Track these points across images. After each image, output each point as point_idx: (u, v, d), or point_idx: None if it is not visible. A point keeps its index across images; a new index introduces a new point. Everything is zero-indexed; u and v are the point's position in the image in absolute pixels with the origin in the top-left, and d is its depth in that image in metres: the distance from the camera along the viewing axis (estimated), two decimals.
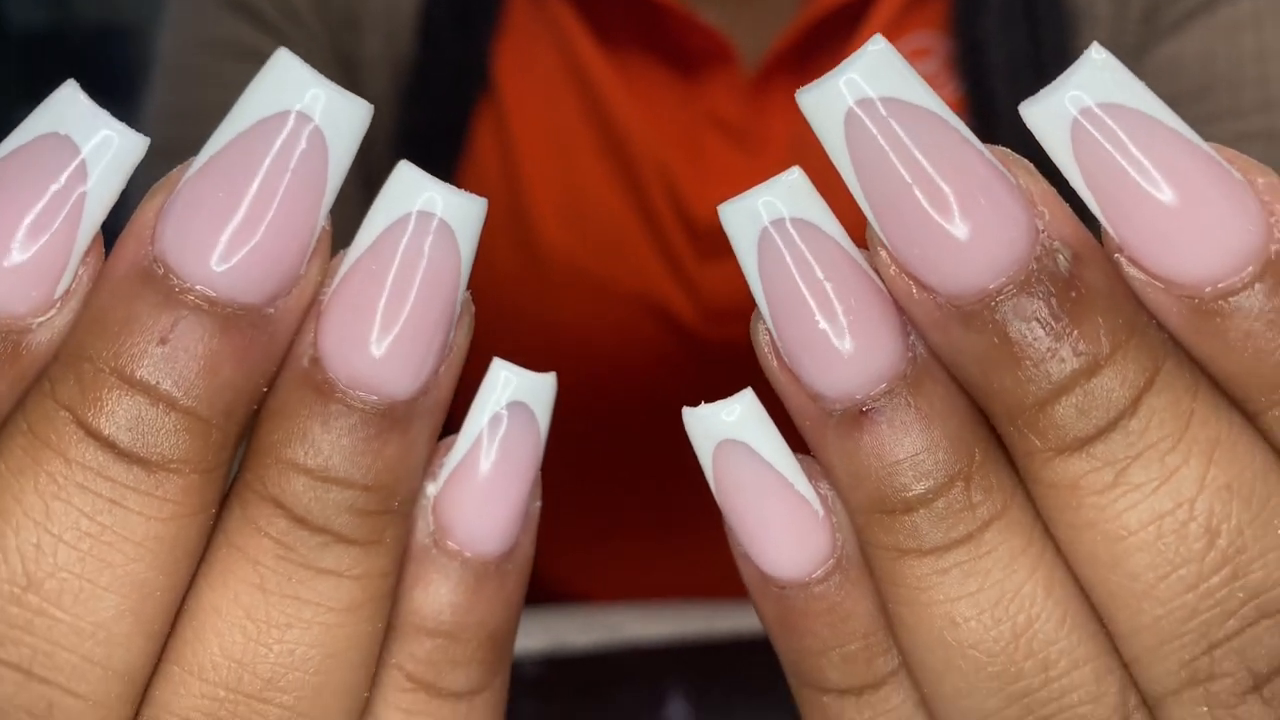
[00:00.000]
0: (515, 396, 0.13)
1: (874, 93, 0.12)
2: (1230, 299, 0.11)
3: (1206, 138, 0.47)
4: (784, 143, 0.48)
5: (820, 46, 0.48)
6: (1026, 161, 0.12)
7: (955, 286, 0.12)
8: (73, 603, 0.11)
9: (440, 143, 0.48)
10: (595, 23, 0.48)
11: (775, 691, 0.17)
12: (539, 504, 0.14)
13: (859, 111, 0.12)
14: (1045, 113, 0.12)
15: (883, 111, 0.12)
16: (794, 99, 0.47)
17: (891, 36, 0.52)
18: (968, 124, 0.43)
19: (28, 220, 0.11)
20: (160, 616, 0.12)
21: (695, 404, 0.15)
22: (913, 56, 0.48)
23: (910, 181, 0.12)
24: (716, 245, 0.47)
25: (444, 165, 0.49)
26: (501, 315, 0.49)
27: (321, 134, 0.12)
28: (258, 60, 0.50)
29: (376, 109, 0.49)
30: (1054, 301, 0.12)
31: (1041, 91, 0.12)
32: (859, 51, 0.12)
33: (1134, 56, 0.48)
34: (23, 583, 0.11)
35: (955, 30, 0.47)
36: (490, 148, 0.49)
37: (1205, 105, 0.46)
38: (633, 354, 0.47)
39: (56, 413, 0.11)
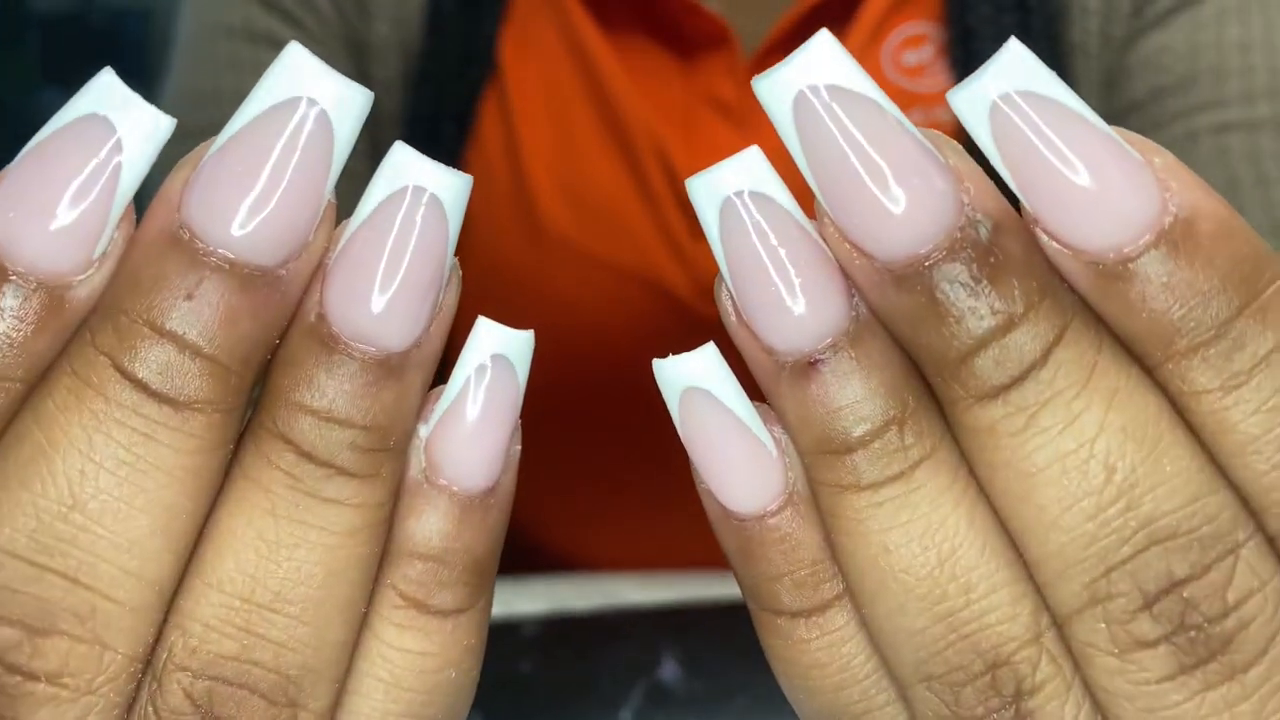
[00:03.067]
0: (497, 350, 0.15)
1: (819, 80, 0.13)
2: (1129, 264, 0.13)
3: (1190, 128, 0.48)
4: None
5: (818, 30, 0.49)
6: (955, 143, 0.14)
7: (890, 252, 0.13)
8: (112, 521, 0.13)
9: (447, 125, 0.50)
10: (597, 8, 0.49)
11: (762, 654, 0.19)
12: (519, 447, 0.15)
13: (807, 96, 0.13)
14: (968, 98, 0.13)
15: (826, 97, 0.13)
16: None
17: (886, 24, 0.52)
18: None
19: (70, 189, 0.13)
20: (185, 536, 0.13)
21: None
22: (907, 44, 0.49)
23: (851, 159, 0.13)
24: None
25: (450, 147, 0.50)
26: (505, 289, 0.50)
27: (327, 117, 0.13)
28: (271, 44, 0.52)
29: (385, 93, 0.51)
30: (975, 266, 0.13)
31: (965, 80, 0.13)
32: (806, 44, 0.13)
33: (1123, 47, 0.49)
34: (69, 502, 0.13)
35: (948, 19, 0.48)
36: (495, 129, 0.50)
37: (1190, 96, 0.47)
38: (630, 327, 0.48)
39: (97, 358, 0.13)
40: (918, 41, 0.49)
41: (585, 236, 0.49)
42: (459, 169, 0.49)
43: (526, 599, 0.46)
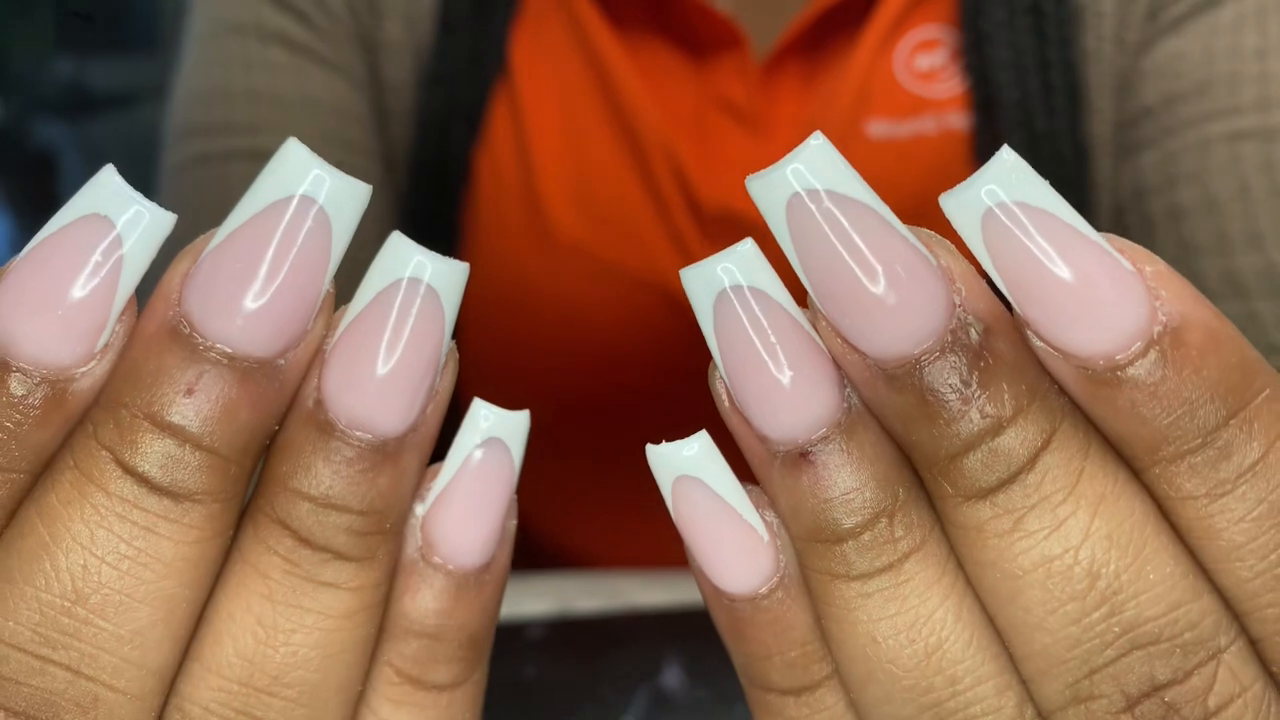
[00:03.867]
0: (492, 433, 0.15)
1: (812, 183, 0.13)
2: (1118, 372, 0.13)
3: (1203, 135, 0.47)
4: (790, 127, 0.48)
5: (829, 36, 0.48)
6: (948, 243, 0.14)
7: (881, 351, 0.13)
8: (114, 614, 0.13)
9: (458, 125, 0.49)
10: (609, 8, 0.49)
11: None
12: (515, 522, 0.16)
13: (801, 198, 0.13)
14: (960, 205, 0.13)
15: (820, 200, 0.13)
16: (802, 85, 0.48)
17: (900, 28, 0.52)
18: (969, 115, 0.44)
19: (72, 286, 0.13)
20: (186, 623, 0.14)
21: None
22: (920, 48, 0.49)
23: (844, 260, 0.13)
24: (722, 230, 0.48)
25: (461, 147, 0.49)
26: (512, 292, 0.50)
27: (325, 213, 0.13)
28: (282, 43, 0.51)
29: (396, 92, 0.51)
30: (965, 369, 0.13)
31: (958, 186, 0.13)
32: (801, 145, 0.14)
33: (1137, 52, 0.48)
34: (72, 597, 0.13)
35: (962, 23, 0.48)
36: (506, 130, 0.50)
37: (1204, 103, 0.46)
38: (639, 333, 0.48)
39: (98, 452, 0.13)
40: (931, 46, 0.48)
41: (594, 241, 0.48)
42: (469, 169, 0.50)
43: (532, 597, 0.46)
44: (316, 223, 0.13)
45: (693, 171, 0.47)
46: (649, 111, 0.48)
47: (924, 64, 0.48)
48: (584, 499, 0.54)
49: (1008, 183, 0.13)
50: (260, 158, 0.54)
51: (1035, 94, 0.48)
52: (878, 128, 0.47)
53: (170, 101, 0.53)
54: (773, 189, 0.13)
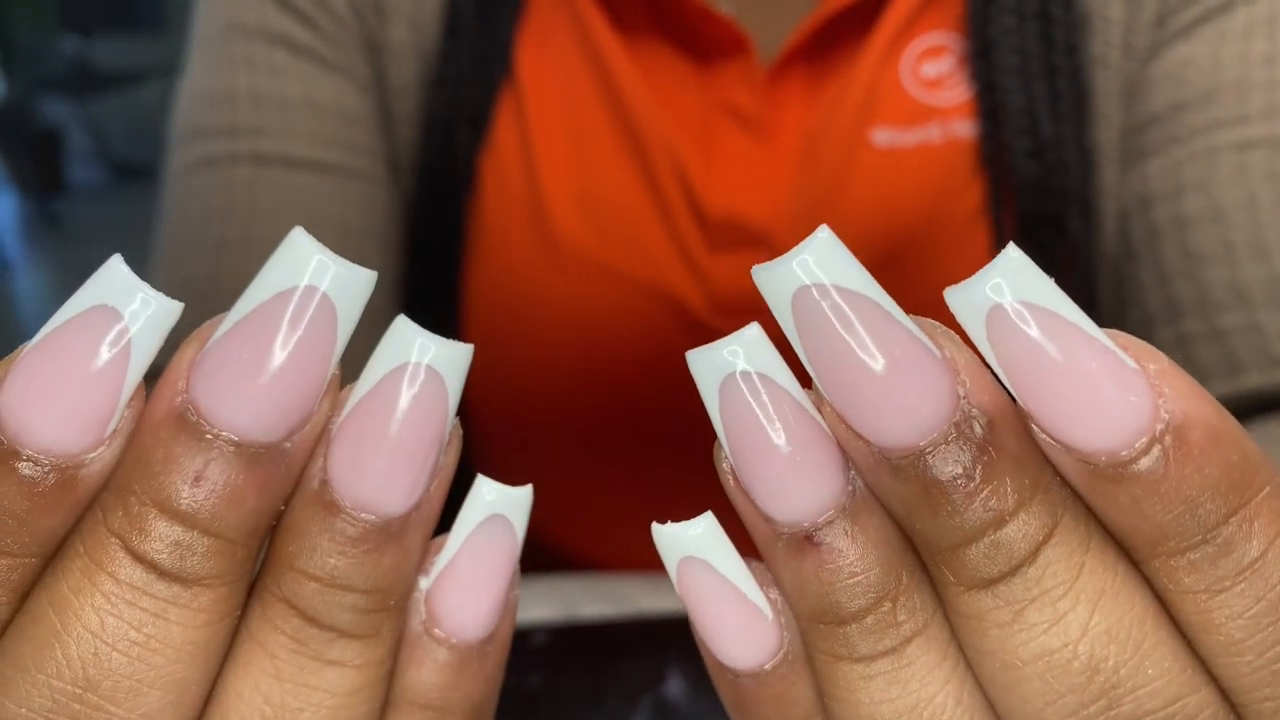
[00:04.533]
0: (495, 509, 0.15)
1: (819, 277, 0.13)
2: (1121, 468, 0.13)
3: (1211, 143, 0.47)
4: (795, 133, 0.48)
5: (835, 41, 0.48)
6: (952, 334, 0.14)
7: (885, 440, 0.13)
8: (125, 699, 0.13)
9: (462, 129, 0.49)
10: (614, 12, 0.48)
11: None
12: (517, 593, 0.16)
13: (808, 291, 0.13)
14: (965, 302, 0.13)
15: (826, 294, 0.13)
16: (808, 91, 0.48)
17: (906, 35, 0.52)
18: (976, 123, 0.44)
19: (81, 376, 0.13)
20: (195, 705, 0.14)
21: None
22: (927, 55, 0.48)
23: (850, 352, 0.13)
24: (726, 237, 0.48)
25: (465, 152, 0.49)
26: (516, 299, 0.50)
27: (330, 301, 0.13)
28: (286, 45, 0.51)
29: (401, 96, 0.51)
30: (969, 461, 0.13)
31: (963, 283, 0.13)
32: (809, 239, 0.14)
33: (1145, 59, 0.48)
34: (83, 684, 0.13)
35: (969, 30, 0.47)
36: (510, 134, 0.50)
37: (1212, 111, 0.46)
38: (644, 340, 0.48)
39: (108, 539, 0.13)
40: (938, 53, 0.48)
41: (599, 247, 0.48)
42: (474, 174, 0.50)
43: (538, 601, 0.47)
44: (321, 310, 0.13)
45: (697, 177, 0.47)
46: (654, 116, 0.48)
47: (930, 71, 0.48)
48: (588, 503, 0.54)
49: (1013, 281, 0.13)
50: (264, 161, 0.54)
51: (1041, 101, 0.47)
52: (883, 135, 0.47)
53: (175, 89, 0.53)
54: (779, 281, 0.13)
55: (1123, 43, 0.47)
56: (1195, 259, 0.45)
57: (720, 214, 0.47)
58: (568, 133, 0.49)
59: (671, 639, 0.43)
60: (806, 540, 0.14)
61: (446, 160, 0.49)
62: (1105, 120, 0.48)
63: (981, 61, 0.47)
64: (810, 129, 0.48)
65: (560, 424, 0.47)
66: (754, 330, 0.14)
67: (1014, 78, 0.47)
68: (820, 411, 0.14)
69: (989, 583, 0.13)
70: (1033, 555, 0.13)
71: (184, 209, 0.50)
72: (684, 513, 0.53)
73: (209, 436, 0.13)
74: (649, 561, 0.58)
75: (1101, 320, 0.44)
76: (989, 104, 0.47)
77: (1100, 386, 0.13)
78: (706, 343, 0.15)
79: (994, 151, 0.47)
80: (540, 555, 0.56)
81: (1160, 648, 0.13)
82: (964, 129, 0.47)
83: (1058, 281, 0.35)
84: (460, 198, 0.49)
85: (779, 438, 0.14)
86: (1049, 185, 0.47)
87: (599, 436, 0.51)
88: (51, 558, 0.14)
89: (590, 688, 0.41)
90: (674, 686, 0.41)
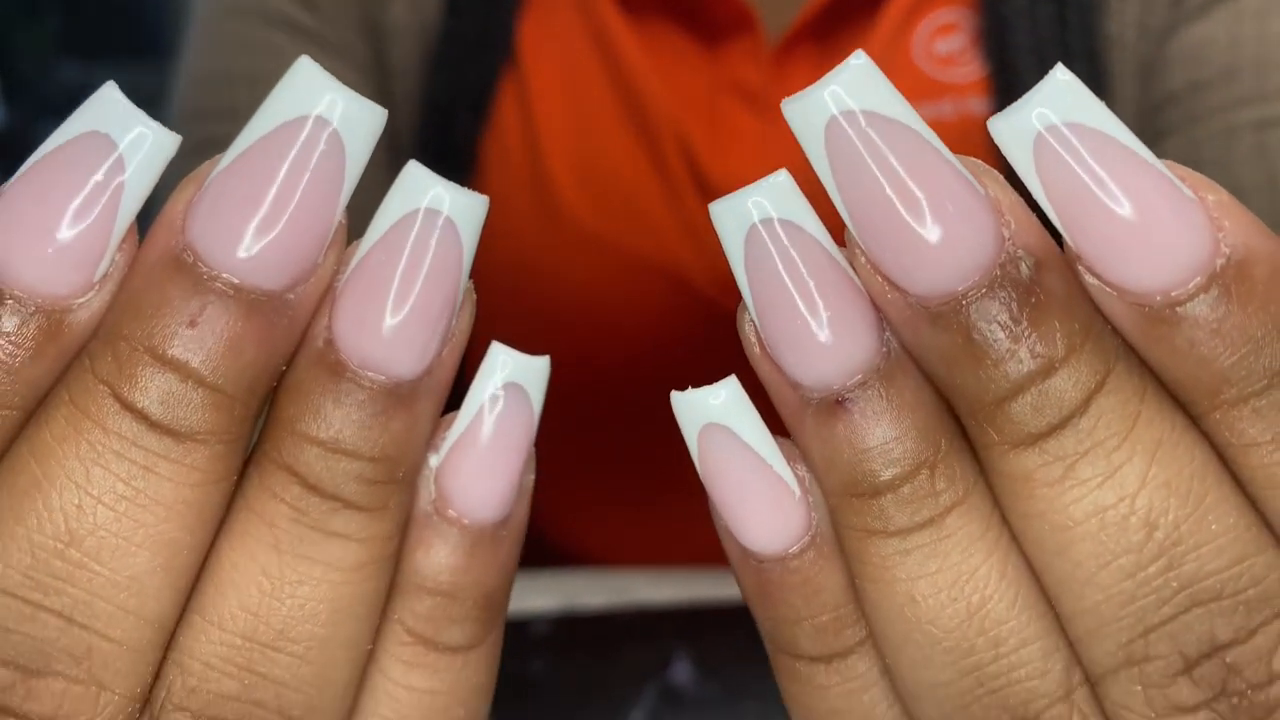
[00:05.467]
0: (511, 378, 0.14)
1: (855, 105, 0.13)
2: (1177, 308, 0.12)
3: (1229, 123, 0.47)
4: None
5: (843, 20, 0.48)
6: (996, 173, 0.13)
7: (924, 288, 0.13)
8: (110, 558, 0.12)
9: (464, 110, 0.49)
10: None
11: None
12: (533, 476, 0.15)
13: (840, 121, 0.13)
14: (1010, 129, 0.12)
15: (862, 123, 0.13)
16: (816, 70, 0.48)
17: (918, 11, 0.51)
18: (991, 101, 0.44)
19: (70, 209, 0.12)
20: (186, 572, 0.13)
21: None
22: (939, 32, 0.48)
23: (885, 188, 0.12)
24: None
25: (468, 132, 0.49)
26: (520, 277, 0.50)
27: (339, 136, 0.13)
28: (286, 27, 0.51)
29: (402, 77, 0.50)
30: (1015, 306, 0.12)
31: (1008, 108, 0.12)
32: (842, 64, 0.13)
33: (1161, 38, 0.48)
34: (65, 539, 0.12)
35: (982, 6, 0.47)
36: (513, 114, 0.50)
37: (1230, 90, 0.46)
38: (647, 316, 0.48)
39: (95, 387, 0.12)
40: (950, 29, 0.48)
41: (603, 225, 0.48)
42: (476, 154, 0.49)
43: (537, 594, 0.46)
44: (330, 146, 0.13)
45: (703, 155, 0.47)
46: (659, 95, 0.48)
47: (943, 48, 0.48)
48: (589, 489, 0.54)
49: (1061, 103, 0.12)
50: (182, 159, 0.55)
51: None
52: None
53: (174, 86, 0.53)
54: (810, 113, 0.13)
55: (1138, 22, 0.48)
56: None
57: (726, 190, 0.47)
58: (571, 112, 0.50)
59: (675, 627, 0.43)
60: (837, 405, 0.13)
61: (448, 142, 0.49)
62: (1122, 101, 0.48)
63: (995, 40, 0.47)
64: None
65: (563, 400, 0.46)
66: (782, 175, 0.13)
67: (1029, 57, 0.47)
68: (853, 265, 0.13)
69: (1037, 438, 0.12)
70: (1084, 405, 0.12)
71: None
72: (686, 498, 0.52)
73: (206, 280, 0.12)
74: (651, 553, 0.57)
75: None
76: (1003, 83, 0.47)
77: (1155, 217, 0.12)
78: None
79: None
80: (540, 549, 0.56)
81: (1223, 503, 0.12)
82: (978, 106, 0.47)
83: None
84: (462, 178, 0.49)
85: (808, 293, 0.13)
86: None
87: (600, 417, 0.51)
88: (34, 412, 0.13)
89: (594, 674, 0.41)
90: (680, 672, 0.41)
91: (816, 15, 0.47)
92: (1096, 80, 0.47)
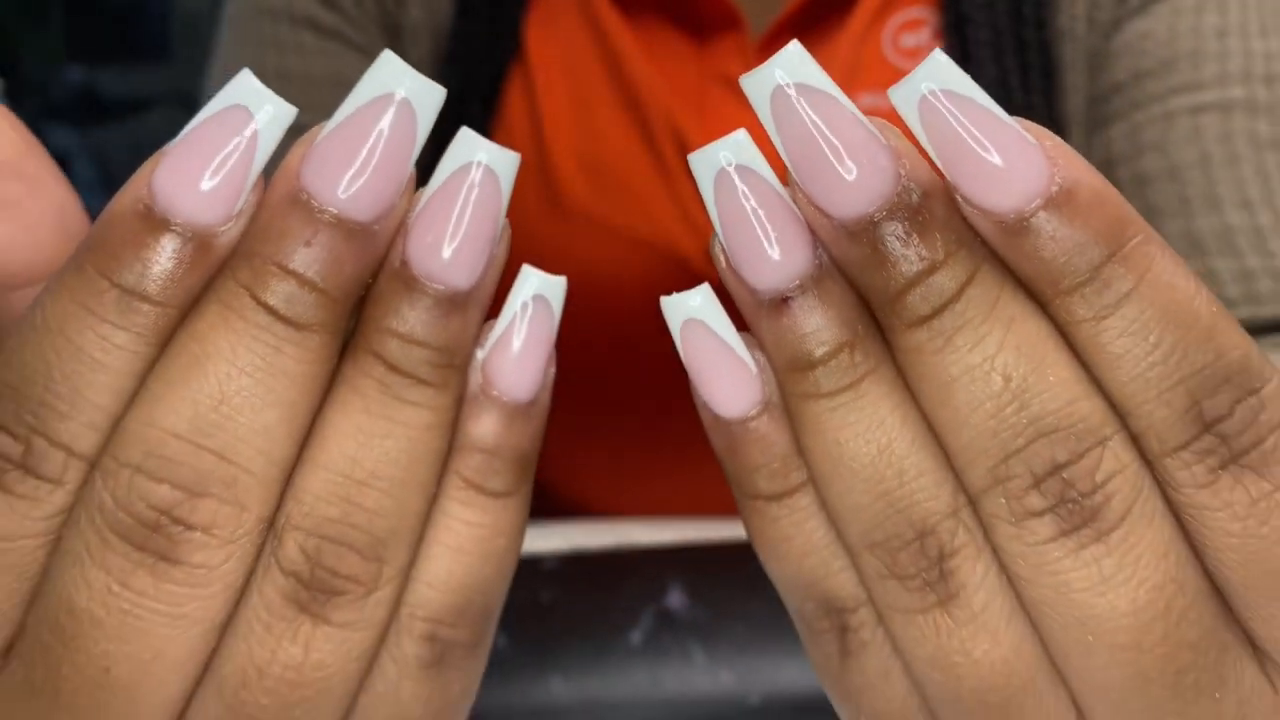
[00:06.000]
0: (537, 291, 0.19)
1: (790, 79, 0.17)
2: (1024, 223, 0.16)
3: (1167, 108, 0.52)
4: None
5: (820, 18, 0.52)
6: (895, 129, 0.17)
7: (844, 213, 0.17)
8: (250, 413, 0.17)
9: (475, 102, 0.53)
10: None
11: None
12: (554, 369, 0.19)
13: (782, 90, 0.17)
14: (902, 95, 0.17)
15: (796, 92, 0.17)
16: None
17: (887, 9, 0.56)
18: None
19: (216, 161, 0.17)
20: (302, 427, 0.17)
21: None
22: (905, 27, 0.53)
23: (815, 140, 0.17)
24: None
25: (477, 122, 0.53)
26: (526, 256, 0.53)
27: (411, 108, 0.17)
28: (311, 27, 0.56)
29: (419, 70, 0.55)
30: (908, 224, 0.17)
31: (901, 80, 0.17)
32: (782, 50, 0.17)
33: (1107, 32, 0.51)
34: (218, 398, 0.17)
35: (944, 4, 0.51)
36: (519, 105, 0.53)
37: (1169, 79, 0.49)
38: (643, 289, 0.51)
39: (237, 290, 0.17)
40: (916, 25, 0.52)
41: (603, 207, 0.52)
42: None
43: (544, 539, 0.50)
44: (403, 115, 0.17)
45: (695, 141, 0.51)
46: (654, 87, 0.51)
47: (909, 42, 0.52)
48: (592, 450, 0.58)
49: (938, 76, 0.17)
50: (293, 129, 0.58)
51: (1013, 72, 0.51)
52: (866, 99, 0.51)
53: (179, 118, 0.57)
54: (761, 84, 0.17)
55: (1087, 18, 0.51)
56: (1154, 213, 0.49)
57: None
58: (573, 104, 0.53)
59: (671, 563, 0.46)
60: (782, 303, 0.18)
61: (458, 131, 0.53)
62: (1072, 90, 0.52)
63: (956, 34, 0.51)
64: None
65: (567, 366, 0.50)
66: (742, 133, 0.18)
67: (987, 49, 0.51)
68: (794, 198, 0.18)
69: (925, 319, 0.17)
70: (958, 294, 0.17)
71: None
72: (679, 456, 0.56)
73: (316, 213, 0.17)
74: (647, 506, 0.62)
75: None
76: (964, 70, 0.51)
77: (1008, 158, 0.16)
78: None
79: None
80: (549, 502, 0.60)
81: (1060, 362, 0.17)
82: None
83: None
84: (447, 139, 0.53)
85: (761, 221, 0.18)
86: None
87: (601, 383, 0.54)
88: (189, 311, 0.17)
89: (598, 601, 0.44)
90: (674, 599, 0.44)
91: (796, 13, 0.51)
92: (1048, 70, 0.51)
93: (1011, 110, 0.55)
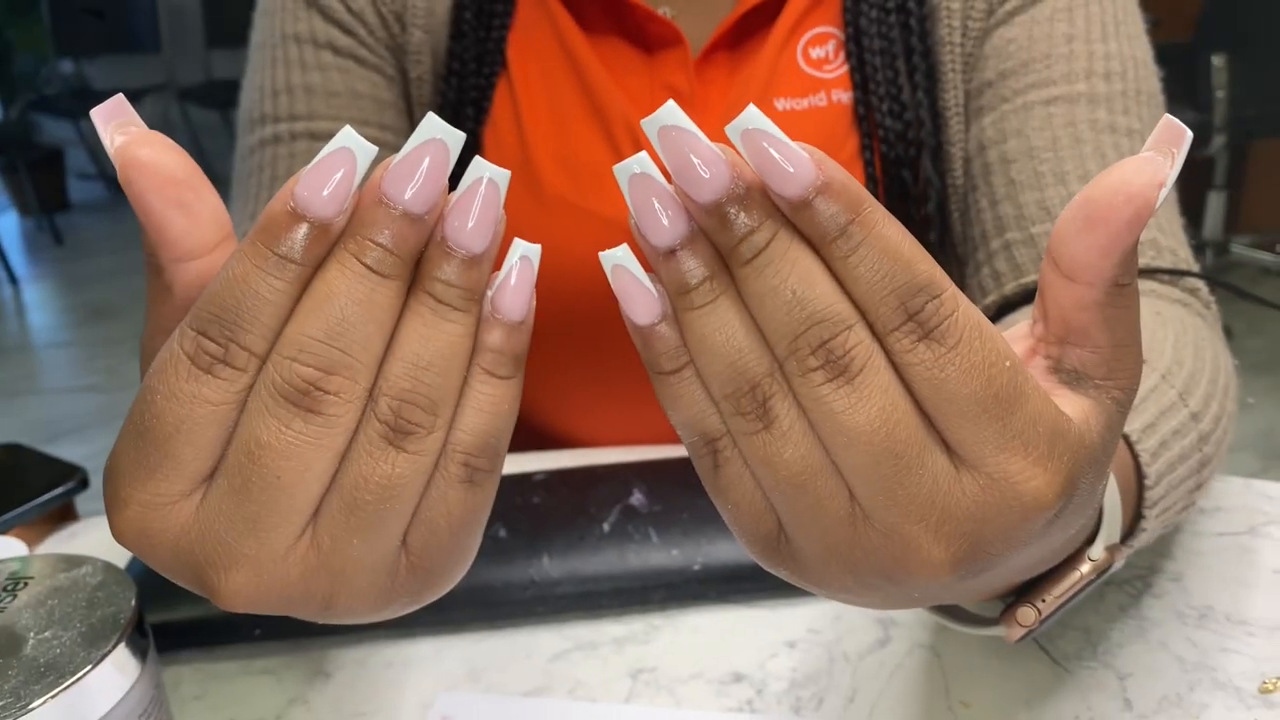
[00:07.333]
0: (523, 253, 0.30)
1: (668, 122, 0.29)
2: (805, 200, 0.27)
3: (1026, 101, 0.68)
4: (721, 105, 0.61)
5: (746, 36, 0.61)
6: (730, 149, 0.29)
7: (703, 199, 0.28)
8: (360, 327, 0.27)
9: (467, 110, 0.61)
10: (580, 17, 0.61)
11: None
12: (534, 304, 0.31)
13: (666, 128, 0.29)
14: (732, 130, 0.28)
15: (672, 130, 0.29)
16: (728, 72, 0.68)
17: (800, 27, 0.69)
18: (851, 91, 0.62)
19: (334, 179, 0.28)
20: (388, 335, 0.28)
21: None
22: (814, 41, 0.62)
23: (684, 158, 0.29)
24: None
25: (470, 126, 0.61)
26: (517, 231, 0.62)
27: (445, 146, 0.28)
28: (330, 49, 0.72)
29: (419, 84, 0.71)
30: (738, 205, 0.28)
31: (731, 121, 0.28)
32: (663, 105, 0.29)
33: (979, 39, 0.60)
34: (339, 318, 0.27)
35: (845, 21, 0.60)
36: (505, 112, 0.61)
37: (1027, 76, 0.58)
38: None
39: (345, 254, 0.27)
40: (823, 40, 0.61)
41: (576, 194, 0.59)
42: (477, 145, 0.70)
43: (536, 463, 0.59)
44: (440, 150, 0.28)
45: (646, 139, 0.62)
46: (613, 95, 0.59)
47: (817, 54, 0.61)
48: (571, 395, 0.67)
49: (750, 121, 0.28)
50: (317, 137, 0.69)
51: (902, 74, 0.60)
52: (783, 103, 0.62)
53: (168, 108, 0.66)
54: (652, 124, 0.28)
55: (962, 27, 0.60)
56: (1015, 186, 0.57)
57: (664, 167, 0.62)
58: (549, 109, 0.61)
59: (634, 473, 0.55)
60: (670, 254, 0.29)
61: (472, 158, 0.61)
62: (951, 88, 0.61)
63: (854, 45, 0.60)
64: (730, 101, 0.61)
65: (549, 329, 0.59)
66: (644, 154, 0.30)
67: (880, 56, 0.60)
68: (675, 191, 0.29)
69: (749, 260, 0.25)
70: (767, 245, 0.26)
71: (257, 175, 0.65)
72: (644, 402, 0.68)
73: (391, 210, 0.28)
74: (619, 439, 0.73)
75: (952, 236, 0.62)
76: (860, 77, 0.59)
77: (794, 165, 0.28)
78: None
79: (865, 112, 0.61)
80: (534, 440, 0.71)
81: (823, 281, 0.22)
82: (842, 96, 0.60)
83: (914, 209, 0.54)
84: (467, 161, 0.64)
85: (657, 205, 0.29)
86: (907, 137, 0.61)
87: (579, 342, 0.63)
88: (315, 268, 0.29)
89: (577, 503, 0.53)
90: (637, 498, 0.54)
91: (726, 33, 0.60)
92: (931, 72, 0.60)
93: (902, 105, 0.68)
